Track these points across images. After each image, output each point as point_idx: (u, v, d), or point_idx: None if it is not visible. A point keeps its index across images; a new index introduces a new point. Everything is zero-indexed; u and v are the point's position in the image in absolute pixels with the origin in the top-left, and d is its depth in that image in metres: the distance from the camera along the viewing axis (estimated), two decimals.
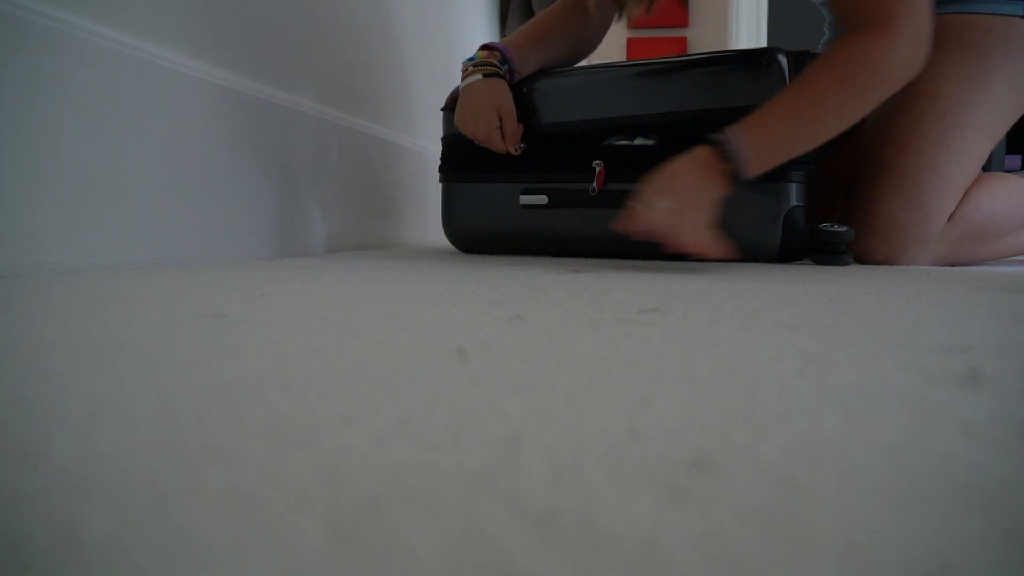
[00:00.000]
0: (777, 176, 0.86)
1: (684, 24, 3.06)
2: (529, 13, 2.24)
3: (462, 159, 1.03)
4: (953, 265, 0.99)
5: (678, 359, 0.26)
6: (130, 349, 0.26)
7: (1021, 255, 1.03)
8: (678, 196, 0.73)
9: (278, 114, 0.89)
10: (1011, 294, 0.54)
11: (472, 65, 0.94)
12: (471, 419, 0.18)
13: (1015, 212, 0.97)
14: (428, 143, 1.51)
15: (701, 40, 3.07)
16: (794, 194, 0.87)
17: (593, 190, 0.94)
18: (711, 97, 0.89)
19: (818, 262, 0.91)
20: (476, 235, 1.04)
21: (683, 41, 3.06)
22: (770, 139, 0.75)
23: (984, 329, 0.35)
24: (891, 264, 0.94)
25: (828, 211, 1.13)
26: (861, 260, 0.97)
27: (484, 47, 0.95)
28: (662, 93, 0.91)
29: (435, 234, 1.52)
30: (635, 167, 0.92)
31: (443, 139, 1.06)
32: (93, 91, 0.60)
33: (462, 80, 0.95)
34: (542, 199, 0.98)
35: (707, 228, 0.73)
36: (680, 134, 0.90)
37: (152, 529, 0.12)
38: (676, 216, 0.71)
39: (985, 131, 0.92)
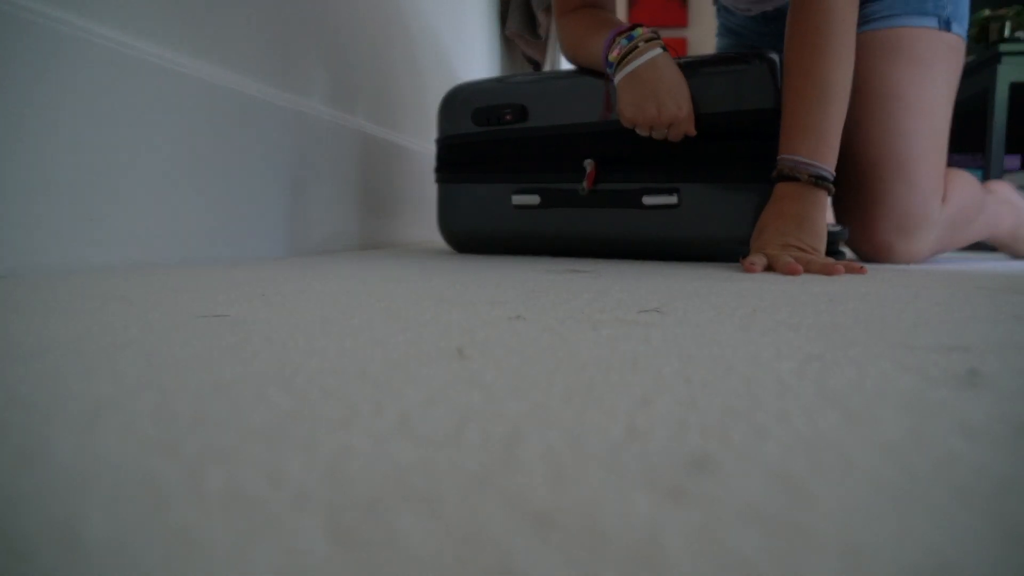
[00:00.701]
0: (767, 176, 0.86)
1: (684, 24, 3.06)
2: (529, 13, 2.24)
3: (457, 160, 1.03)
4: (941, 252, 1.10)
5: (678, 359, 0.26)
6: (130, 349, 0.26)
7: (981, 239, 1.19)
8: (796, 242, 0.76)
9: (278, 114, 0.89)
10: (1011, 294, 0.54)
11: (642, 41, 0.86)
12: (471, 419, 0.18)
13: (972, 202, 1.10)
14: (429, 143, 1.51)
15: (701, 40, 3.07)
16: None
17: (583, 189, 0.94)
18: (702, 102, 0.89)
19: None
20: (471, 235, 1.05)
21: (683, 41, 3.06)
22: (812, 135, 0.79)
23: (984, 329, 0.35)
24: (902, 251, 1.01)
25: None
26: (872, 253, 1.02)
27: (636, 25, 0.89)
28: None
29: (435, 234, 1.52)
30: (626, 165, 0.93)
31: (437, 140, 1.06)
32: (93, 91, 0.60)
33: (625, 60, 0.85)
34: (534, 199, 0.98)
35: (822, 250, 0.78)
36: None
37: (152, 529, 0.12)
38: (805, 257, 0.74)
39: (944, 123, 1.02)
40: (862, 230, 1.00)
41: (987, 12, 2.31)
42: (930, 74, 1.00)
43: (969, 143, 2.65)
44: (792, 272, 0.69)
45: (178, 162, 0.70)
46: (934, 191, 1.00)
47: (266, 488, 0.13)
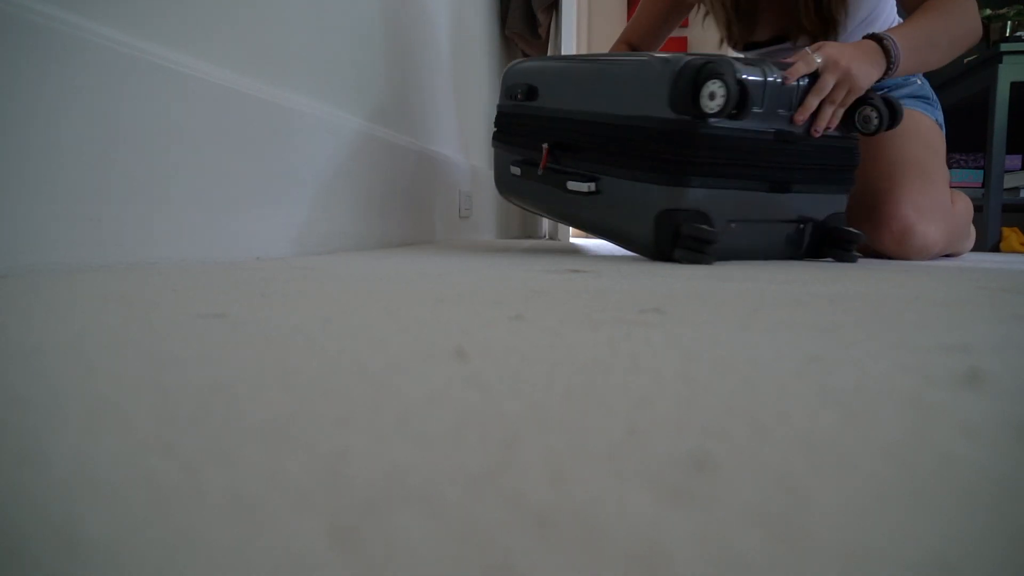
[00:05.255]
0: (664, 180, 0.91)
1: (684, 24, 3.06)
2: (529, 13, 2.24)
3: (497, 126, 1.21)
4: (945, 252, 1.28)
5: (678, 359, 0.26)
6: (130, 349, 0.26)
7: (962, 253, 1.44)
8: (854, 69, 0.95)
9: (278, 114, 0.89)
10: (1011, 294, 0.54)
11: None
12: (471, 419, 0.18)
13: (969, 214, 1.39)
14: (429, 143, 1.50)
15: (702, 40, 3.07)
16: (680, 198, 0.91)
17: (539, 168, 1.06)
18: (615, 101, 0.96)
19: (836, 258, 1.03)
20: (502, 186, 1.24)
21: (683, 41, 3.06)
22: (911, 50, 1.03)
23: (984, 329, 0.35)
24: (922, 232, 1.15)
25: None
26: (892, 241, 1.17)
27: None
28: (594, 93, 1.00)
29: (436, 234, 1.52)
30: (566, 153, 1.04)
31: (497, 107, 1.22)
32: (93, 91, 0.60)
33: None
34: (517, 171, 1.15)
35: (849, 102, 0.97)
36: (604, 135, 0.98)
37: (152, 529, 0.12)
38: (842, 88, 0.95)
39: (943, 156, 1.28)
40: (883, 217, 1.16)
41: (987, 12, 2.31)
42: (936, 125, 1.27)
43: (969, 143, 2.65)
44: (798, 71, 0.92)
45: (177, 162, 0.70)
46: (945, 184, 1.21)
47: (266, 488, 0.13)
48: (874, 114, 0.96)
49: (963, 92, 2.36)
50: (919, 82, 1.33)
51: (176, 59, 0.70)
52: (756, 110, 0.90)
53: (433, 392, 0.21)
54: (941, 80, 2.42)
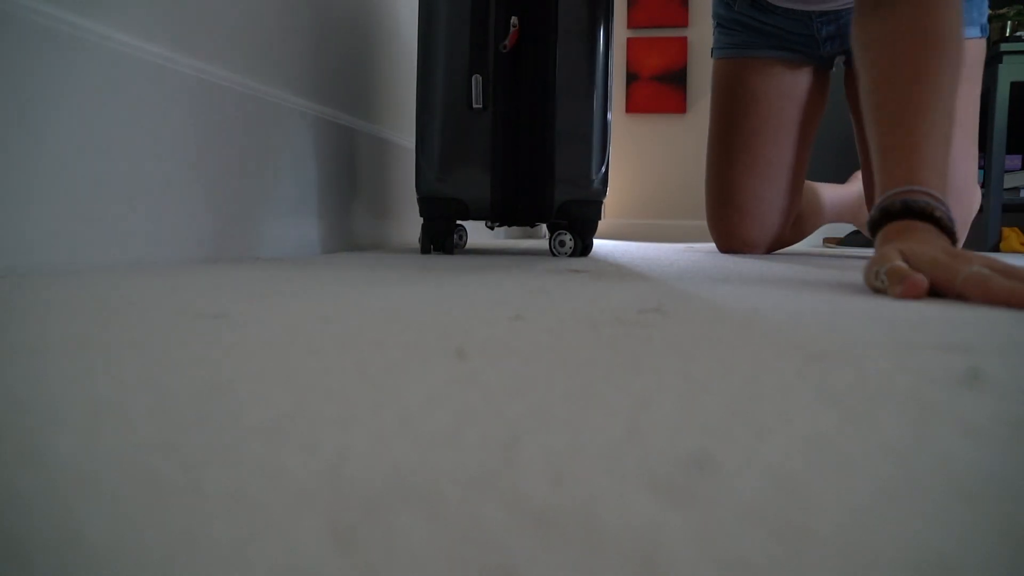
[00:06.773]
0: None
1: (684, 24, 3.06)
2: None
3: None
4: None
5: (678, 359, 0.26)
6: (130, 349, 0.26)
7: None
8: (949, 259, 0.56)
9: (279, 115, 0.89)
10: None
11: None
12: (471, 419, 0.18)
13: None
14: None
15: (702, 39, 3.07)
16: None
17: (504, 47, 1.01)
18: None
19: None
20: None
21: (683, 40, 3.05)
22: (940, 171, 0.62)
23: (984, 329, 0.35)
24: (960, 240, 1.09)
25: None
26: None
27: None
28: None
29: None
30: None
31: None
32: (93, 91, 0.60)
33: None
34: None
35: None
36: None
37: (152, 529, 0.12)
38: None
39: (976, 136, 1.22)
40: None
41: (987, 12, 2.31)
42: (975, 89, 1.12)
43: None
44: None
45: (177, 162, 0.70)
46: (976, 200, 1.19)
47: (266, 488, 0.13)
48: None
49: None
50: None
51: (175, 59, 0.70)
52: None
53: (433, 392, 0.21)
54: None
